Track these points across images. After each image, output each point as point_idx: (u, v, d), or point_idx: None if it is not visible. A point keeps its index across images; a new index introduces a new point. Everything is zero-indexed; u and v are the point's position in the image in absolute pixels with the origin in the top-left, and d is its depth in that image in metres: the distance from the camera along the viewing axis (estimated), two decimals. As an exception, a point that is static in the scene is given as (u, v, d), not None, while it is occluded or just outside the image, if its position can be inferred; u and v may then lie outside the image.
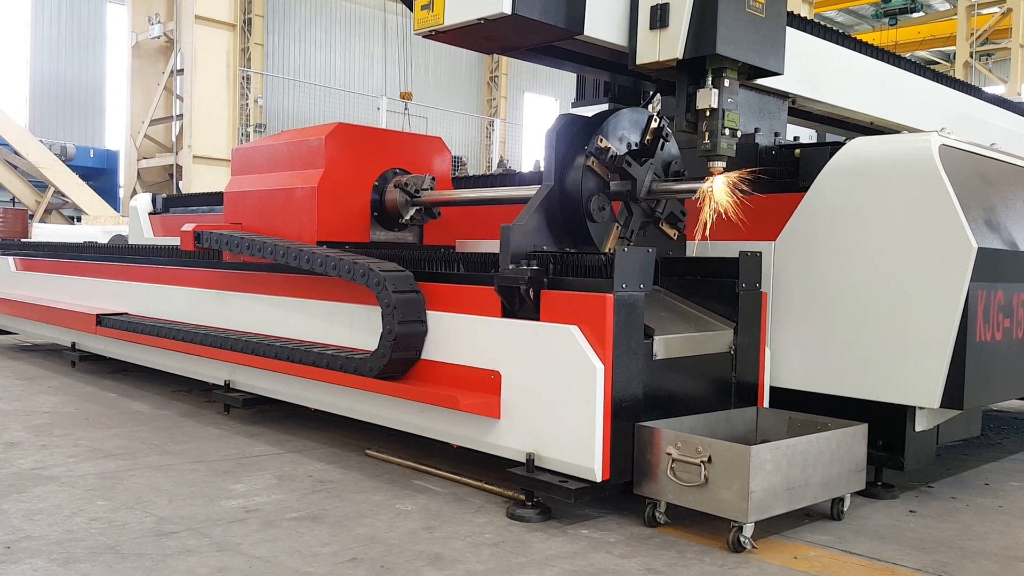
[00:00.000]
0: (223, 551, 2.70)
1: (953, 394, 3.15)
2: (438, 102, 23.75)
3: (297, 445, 4.09)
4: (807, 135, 5.52)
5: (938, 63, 28.34)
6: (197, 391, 5.32)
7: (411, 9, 3.24)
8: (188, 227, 4.57)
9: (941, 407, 3.19)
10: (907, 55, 27.89)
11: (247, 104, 20.49)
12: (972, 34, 19.04)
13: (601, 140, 3.46)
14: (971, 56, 19.05)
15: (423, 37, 3.22)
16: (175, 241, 4.88)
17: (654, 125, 3.55)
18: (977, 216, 3.19)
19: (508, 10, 2.96)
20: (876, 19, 25.03)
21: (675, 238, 3.76)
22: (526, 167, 17.87)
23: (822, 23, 4.28)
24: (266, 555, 2.67)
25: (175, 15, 13.23)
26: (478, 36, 3.19)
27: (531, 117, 28.07)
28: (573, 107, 4.62)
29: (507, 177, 5.35)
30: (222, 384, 4.63)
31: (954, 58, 20.05)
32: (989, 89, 20.77)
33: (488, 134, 26.89)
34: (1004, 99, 5.93)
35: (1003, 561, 2.80)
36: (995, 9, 20.36)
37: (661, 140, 3.57)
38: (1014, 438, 4.74)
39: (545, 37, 3.24)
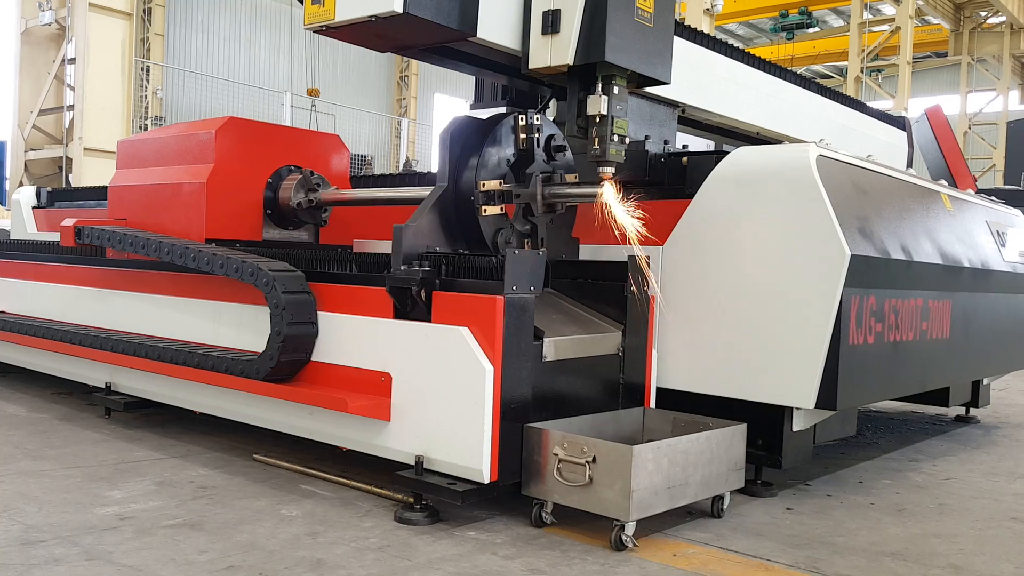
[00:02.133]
0: (93, 560, 2.59)
1: (827, 395, 3.28)
2: (347, 100, 23.39)
3: (181, 450, 3.96)
4: (705, 145, 5.67)
5: (832, 77, 29.57)
6: (78, 394, 5.09)
7: (301, 2, 3.18)
8: (69, 222, 4.37)
9: (816, 408, 3.32)
10: (803, 69, 29.01)
11: (146, 96, 19.76)
12: (863, 50, 19.88)
13: (482, 185, 3.44)
14: (862, 71, 19.88)
15: (314, 32, 3.17)
16: (58, 236, 4.66)
17: (522, 123, 3.52)
18: (851, 224, 3.34)
19: (400, 9, 2.94)
20: (774, 33, 25.92)
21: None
22: (435, 167, 17.78)
23: (711, 35, 4.40)
24: (138, 564, 2.57)
25: (67, 2, 12.65)
26: (369, 33, 3.16)
27: (441, 118, 27.97)
28: (472, 109, 4.62)
29: (407, 177, 5.30)
30: (103, 387, 4.45)
31: (846, 73, 20.92)
32: (878, 103, 21.74)
33: (397, 134, 26.65)
34: (886, 113, 6.23)
35: (870, 556, 2.92)
36: (885, 27, 21.36)
37: (535, 136, 3.55)
38: (889, 437, 4.98)
39: (438, 38, 3.23)
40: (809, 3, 23.59)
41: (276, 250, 3.95)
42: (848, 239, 3.23)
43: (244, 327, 3.76)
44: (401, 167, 22.86)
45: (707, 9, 15.95)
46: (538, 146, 3.55)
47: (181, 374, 3.81)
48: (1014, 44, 24.49)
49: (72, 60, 12.82)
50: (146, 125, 18.91)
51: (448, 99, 28.37)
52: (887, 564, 2.85)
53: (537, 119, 3.50)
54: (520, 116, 3.50)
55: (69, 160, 12.66)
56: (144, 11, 20.86)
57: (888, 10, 23.89)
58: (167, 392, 4.12)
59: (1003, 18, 23.56)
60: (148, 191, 4.41)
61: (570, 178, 3.60)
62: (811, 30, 26.13)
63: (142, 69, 19.78)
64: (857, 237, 3.33)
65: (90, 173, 11.81)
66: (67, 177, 12.66)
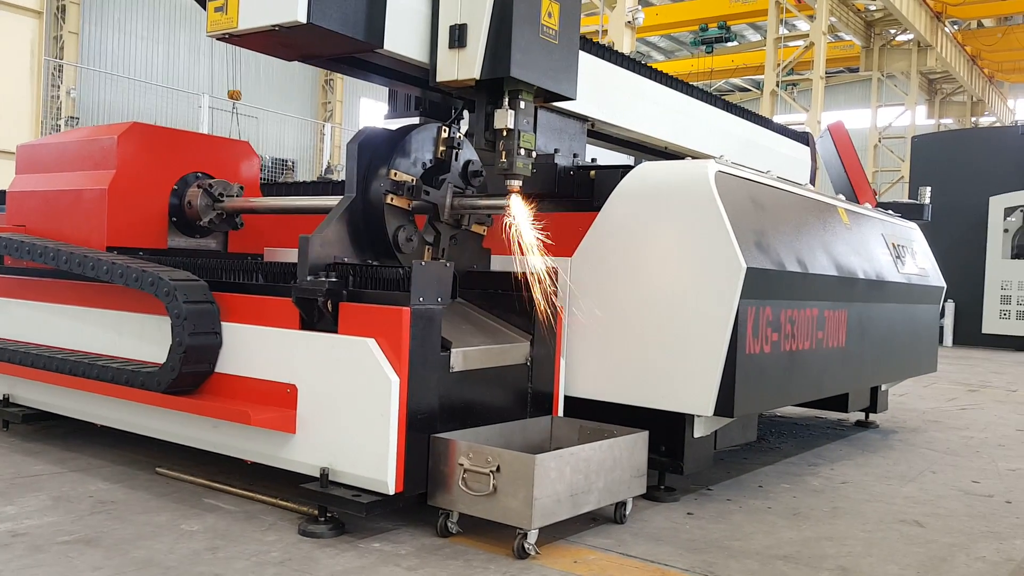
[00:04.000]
0: (-22, 581, 2.51)
1: (725, 403, 3.39)
2: (270, 103, 23.04)
3: (81, 464, 3.85)
4: (625, 159, 5.78)
5: (750, 90, 30.42)
6: (-26, 406, 4.90)
7: (204, 8, 3.15)
8: (-38, 229, 4.21)
9: (714, 415, 3.42)
10: (722, 82, 29.67)
11: (59, 96, 19.15)
12: (779, 65, 20.52)
13: (394, 174, 3.45)
14: (777, 85, 20.52)
15: (216, 39, 3.14)
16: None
17: (444, 136, 3.56)
18: (748, 238, 3.46)
19: (303, 19, 2.93)
20: (695, 46, 26.54)
21: (484, 233, 3.81)
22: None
23: (620, 52, 4.49)
24: (26, 583, 2.50)
25: (-29, -3, 12.16)
26: (274, 42, 3.14)
27: (367, 122, 27.74)
28: (385, 119, 4.62)
29: (322, 185, 5.28)
30: (1, 398, 4.30)
31: (763, 86, 21.54)
32: (793, 116, 22.32)
33: (322, 138, 26.35)
34: (790, 129, 6.46)
35: (764, 560, 3.03)
36: (800, 43, 22.08)
37: (454, 150, 3.59)
38: (791, 442, 5.15)
39: (344, 48, 3.23)
40: (728, 18, 24.25)
41: (180, 259, 3.88)
42: (744, 252, 3.35)
43: (146, 338, 3.68)
44: (323, 172, 22.60)
45: (628, 22, 16.26)
46: (455, 160, 3.58)
47: (81, 386, 3.71)
48: (921, 61, 25.60)
49: (-23, 58, 12.32)
50: (59, 126, 18.31)
51: (375, 104, 28.19)
52: (779, 567, 2.96)
53: (459, 137, 3.55)
54: (444, 128, 3.53)
55: (-27, 162, 12.17)
56: (57, 8, 20.22)
57: (804, 26, 24.69)
58: (68, 404, 4.00)
59: (911, 36, 24.59)
60: (48, 197, 4.29)
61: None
62: (730, 44, 26.85)
63: (55, 69, 19.18)
64: (754, 250, 3.45)
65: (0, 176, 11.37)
66: (-29, 179, 12.16)
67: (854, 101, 31.61)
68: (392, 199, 3.44)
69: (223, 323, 3.44)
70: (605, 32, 17.96)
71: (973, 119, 30.49)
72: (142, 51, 22.44)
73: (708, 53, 26.15)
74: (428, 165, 3.61)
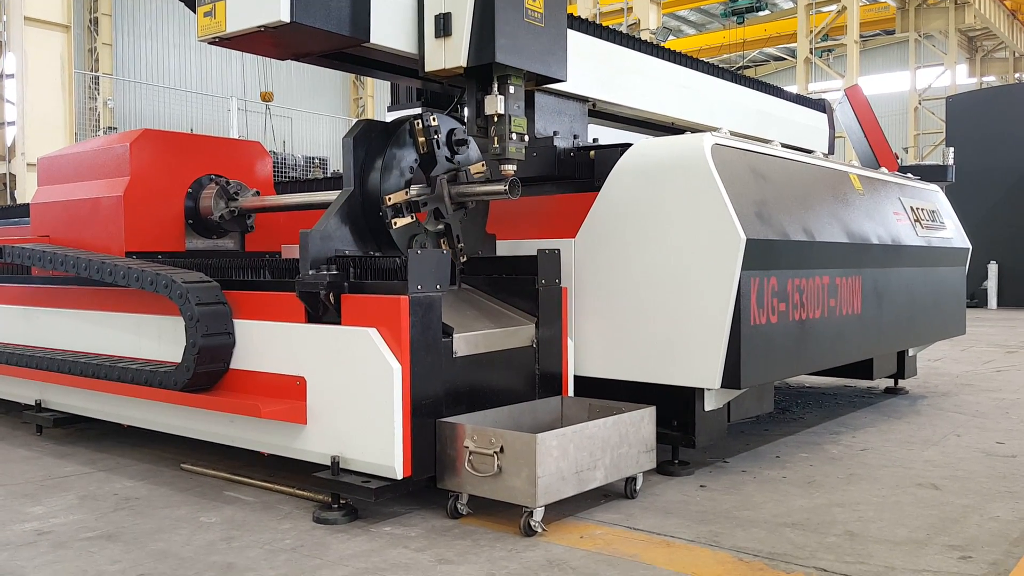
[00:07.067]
0: (3, 577, 2.63)
1: (732, 375, 3.39)
2: (302, 102, 23.28)
3: (110, 463, 3.98)
4: (628, 137, 5.75)
5: (785, 59, 29.86)
6: (13, 412, 5.08)
7: (194, 12, 3.22)
8: (-11, 242, 4.37)
9: (722, 387, 3.42)
10: (755, 52, 28.98)
11: (96, 107, 19.60)
12: (811, 31, 20.12)
13: (388, 199, 3.46)
14: (811, 52, 20.14)
15: (208, 44, 3.21)
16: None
17: (419, 127, 3.54)
18: (748, 209, 3.44)
19: (287, 18, 2.98)
20: (725, 17, 26.13)
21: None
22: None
23: (619, 31, 4.47)
24: (47, 577, 2.61)
25: (3, 17, 12.49)
26: (264, 42, 3.20)
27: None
28: (389, 111, 4.68)
29: (334, 181, 5.34)
30: (33, 404, 4.46)
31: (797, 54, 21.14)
32: (829, 83, 21.80)
33: (355, 134, 26.52)
34: (805, 97, 6.35)
35: (771, 528, 3.02)
36: (833, 8, 21.62)
37: (434, 138, 3.57)
38: (816, 412, 5.11)
39: (331, 45, 3.27)
40: (758, -14, 23.86)
41: (194, 260, 3.98)
42: (744, 224, 3.33)
43: (164, 338, 3.79)
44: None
45: (653, -1, 16.14)
46: (438, 147, 3.59)
47: (104, 388, 3.84)
48: (959, 19, 24.85)
49: (11, 75, 12.67)
50: (98, 136, 18.72)
51: (405, 97, 28.26)
52: (785, 534, 2.95)
53: (434, 120, 3.54)
54: (416, 120, 3.54)
55: (13, 176, 12.54)
56: (90, 21, 20.66)
57: (835, -10, 24.20)
58: (94, 406, 4.14)
59: (947, -7, 23.93)
60: (68, 207, 4.43)
61: (477, 167, 3.65)
62: (761, 13, 26.37)
63: (91, 81, 19.62)
64: (754, 221, 3.43)
65: (34, 188, 11.71)
66: (12, 193, 12.53)
67: (892, 64, 30.84)
68: (396, 223, 3.49)
69: (236, 320, 3.52)
70: (631, 10, 17.82)
71: (1017, 75, 29.55)
72: (175, 59, 22.81)
73: (739, 24, 25.73)
74: (415, 165, 3.62)
